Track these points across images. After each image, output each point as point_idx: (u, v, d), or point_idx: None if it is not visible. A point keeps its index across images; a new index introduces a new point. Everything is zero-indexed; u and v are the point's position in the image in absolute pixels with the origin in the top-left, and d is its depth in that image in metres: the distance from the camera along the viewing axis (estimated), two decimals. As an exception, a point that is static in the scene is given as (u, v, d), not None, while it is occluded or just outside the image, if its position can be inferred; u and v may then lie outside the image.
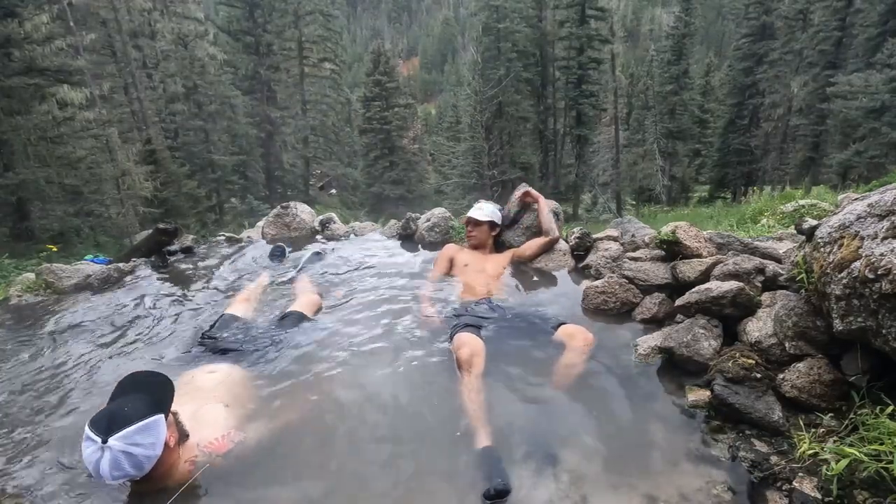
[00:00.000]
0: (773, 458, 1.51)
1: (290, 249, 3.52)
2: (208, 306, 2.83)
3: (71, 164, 11.64)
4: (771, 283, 2.03)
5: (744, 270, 2.05)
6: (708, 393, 1.76)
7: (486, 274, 2.82)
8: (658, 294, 2.31)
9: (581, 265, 2.93)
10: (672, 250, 2.38)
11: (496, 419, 1.77)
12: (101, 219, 13.16)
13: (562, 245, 3.03)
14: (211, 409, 1.76)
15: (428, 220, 3.62)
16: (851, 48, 19.41)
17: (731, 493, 1.44)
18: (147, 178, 14.65)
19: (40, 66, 10.85)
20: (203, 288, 3.11)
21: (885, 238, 1.37)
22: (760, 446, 1.56)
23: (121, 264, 3.47)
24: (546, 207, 3.10)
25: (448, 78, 65.10)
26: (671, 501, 1.44)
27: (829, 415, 1.57)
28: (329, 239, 3.81)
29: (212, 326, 2.42)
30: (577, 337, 2.11)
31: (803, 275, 1.71)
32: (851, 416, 1.48)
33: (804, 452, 1.45)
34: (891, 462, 1.24)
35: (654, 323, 2.25)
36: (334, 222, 4.07)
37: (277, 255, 3.42)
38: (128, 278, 3.34)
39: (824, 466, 1.37)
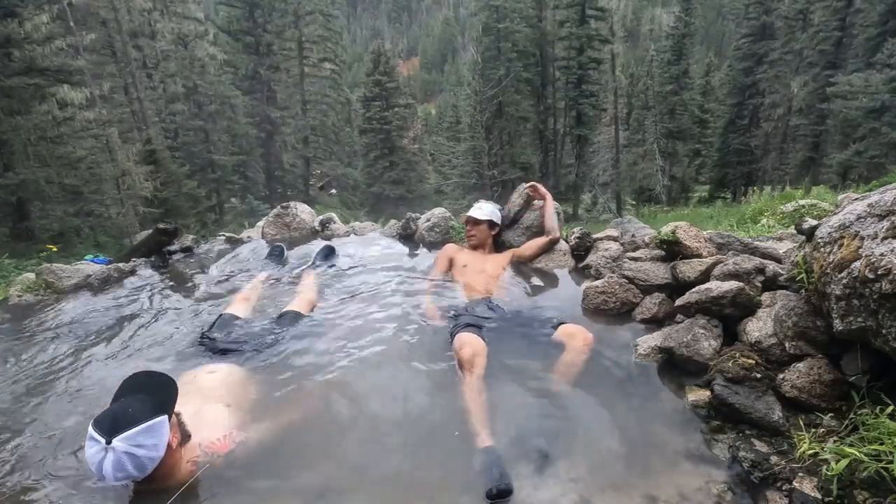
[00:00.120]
0: (773, 458, 1.51)
1: (288, 250, 3.52)
2: (208, 306, 2.84)
3: (71, 164, 11.63)
4: (771, 283, 2.03)
5: (744, 270, 2.05)
6: (708, 393, 1.76)
7: (485, 274, 2.82)
8: (658, 294, 2.31)
9: (581, 265, 2.93)
10: (672, 250, 2.39)
11: (496, 419, 1.77)
12: (101, 219, 13.16)
13: (562, 245, 3.03)
14: (212, 410, 1.76)
15: (428, 220, 3.62)
16: (851, 48, 19.41)
17: (731, 493, 1.45)
18: (147, 178, 14.64)
19: (40, 66, 10.84)
20: (202, 288, 3.12)
21: (885, 238, 1.37)
22: (760, 446, 1.56)
23: (121, 264, 3.48)
24: (552, 206, 3.11)
25: (448, 78, 65.10)
26: (671, 501, 1.44)
27: (829, 415, 1.57)
28: (329, 239, 3.81)
29: (211, 326, 2.42)
30: (576, 337, 2.11)
31: (803, 275, 1.71)
32: (851, 416, 1.49)
33: (804, 452, 1.45)
34: (891, 462, 1.24)
35: (654, 323, 2.25)
36: (334, 222, 4.07)
37: (275, 255, 3.42)
38: (128, 278, 3.35)
39: (824, 466, 1.37)
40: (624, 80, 29.06)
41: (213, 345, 2.27)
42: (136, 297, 3.06)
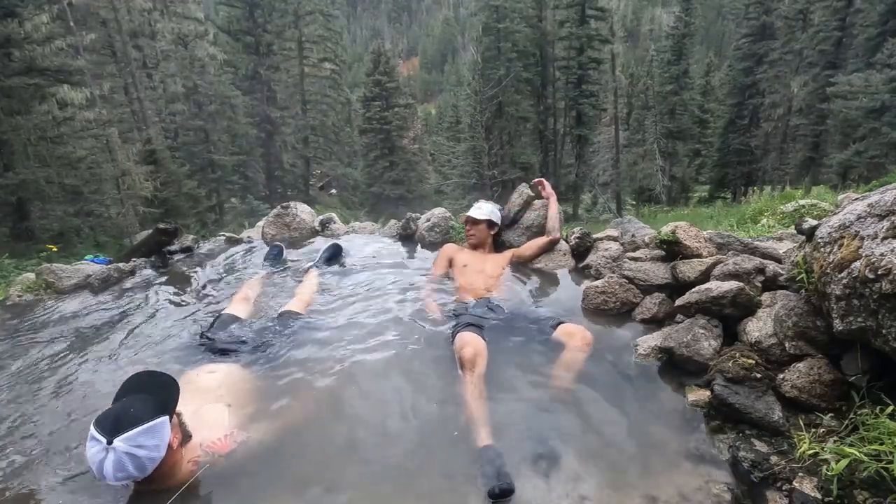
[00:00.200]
0: (773, 458, 1.51)
1: (287, 250, 3.52)
2: (208, 306, 2.84)
3: (71, 164, 11.62)
4: (771, 283, 2.03)
5: (744, 270, 2.05)
6: (708, 393, 1.76)
7: (485, 274, 2.82)
8: (658, 294, 2.31)
9: (581, 265, 2.93)
10: (672, 250, 2.39)
11: (496, 418, 1.77)
12: (101, 219, 13.15)
13: (562, 245, 3.03)
14: (213, 410, 1.76)
15: (428, 220, 3.62)
16: (851, 48, 19.40)
17: (731, 493, 1.45)
18: (147, 178, 14.62)
19: (40, 66, 10.83)
20: (202, 288, 3.12)
21: (885, 238, 1.37)
22: (760, 446, 1.56)
23: (121, 264, 3.48)
24: (556, 206, 3.12)
25: (448, 78, 65.09)
26: (671, 501, 1.44)
27: (829, 415, 1.57)
28: (329, 239, 3.81)
29: (211, 326, 2.42)
30: (576, 336, 2.11)
31: (803, 275, 1.71)
32: (851, 416, 1.49)
33: (804, 452, 1.45)
34: (891, 462, 1.24)
35: (654, 323, 2.25)
36: (334, 222, 4.07)
37: (274, 255, 3.42)
38: (128, 278, 3.35)
39: (824, 466, 1.37)
40: (624, 80, 29.06)
41: (213, 345, 2.27)
42: (135, 297, 3.06)
